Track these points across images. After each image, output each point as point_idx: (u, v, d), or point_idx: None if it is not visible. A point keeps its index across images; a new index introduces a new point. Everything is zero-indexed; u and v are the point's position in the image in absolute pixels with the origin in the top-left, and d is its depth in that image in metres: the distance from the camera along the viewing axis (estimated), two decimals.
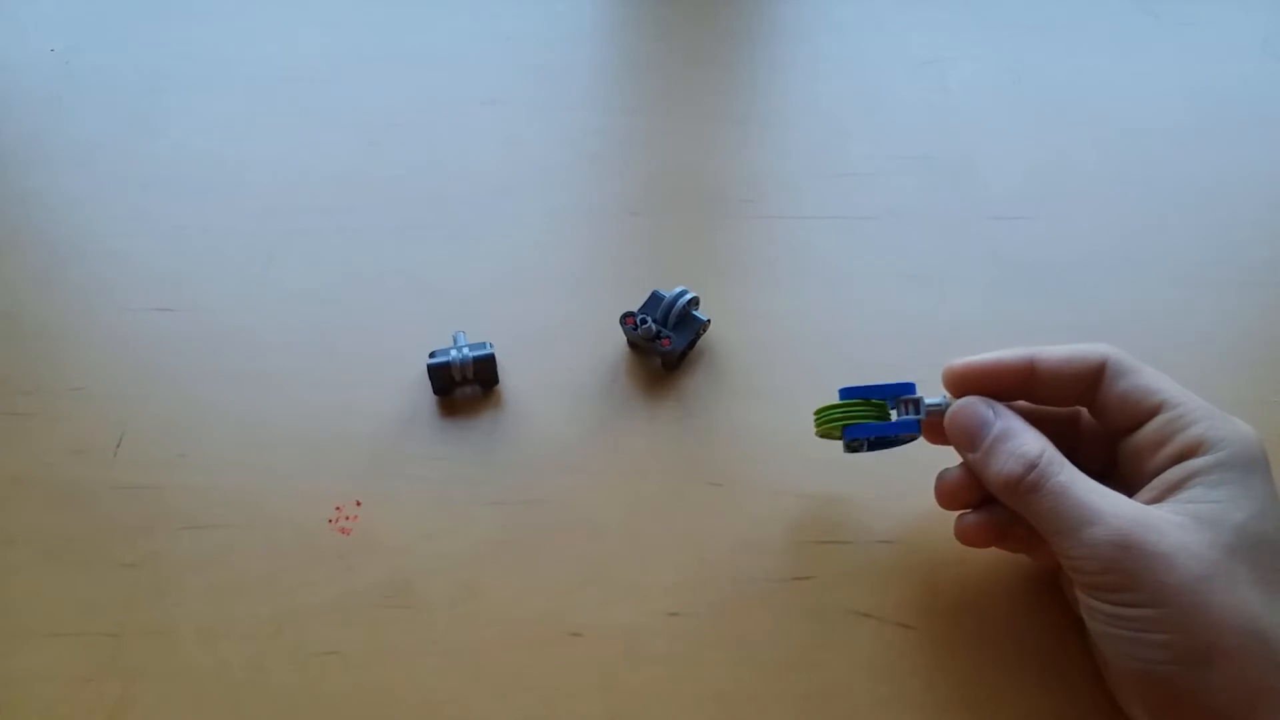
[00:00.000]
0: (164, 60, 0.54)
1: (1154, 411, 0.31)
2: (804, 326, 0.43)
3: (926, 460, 0.37)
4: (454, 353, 0.40)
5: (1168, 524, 0.28)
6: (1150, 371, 0.32)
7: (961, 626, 0.35)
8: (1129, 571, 0.28)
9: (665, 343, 0.40)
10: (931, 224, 0.47)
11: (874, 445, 0.35)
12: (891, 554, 0.37)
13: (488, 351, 0.40)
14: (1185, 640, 0.27)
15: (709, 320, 0.42)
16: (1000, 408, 0.32)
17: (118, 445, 0.39)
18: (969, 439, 0.32)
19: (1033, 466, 0.30)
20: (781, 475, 0.39)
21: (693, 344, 0.42)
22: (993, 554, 0.36)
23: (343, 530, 0.37)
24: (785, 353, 0.42)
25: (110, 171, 0.49)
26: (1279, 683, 0.27)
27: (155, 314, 0.43)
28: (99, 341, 0.42)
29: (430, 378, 0.39)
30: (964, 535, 0.34)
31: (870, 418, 0.35)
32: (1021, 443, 0.31)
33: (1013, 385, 0.33)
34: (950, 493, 0.34)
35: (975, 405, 0.32)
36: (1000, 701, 0.33)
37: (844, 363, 0.42)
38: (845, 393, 0.35)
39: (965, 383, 0.33)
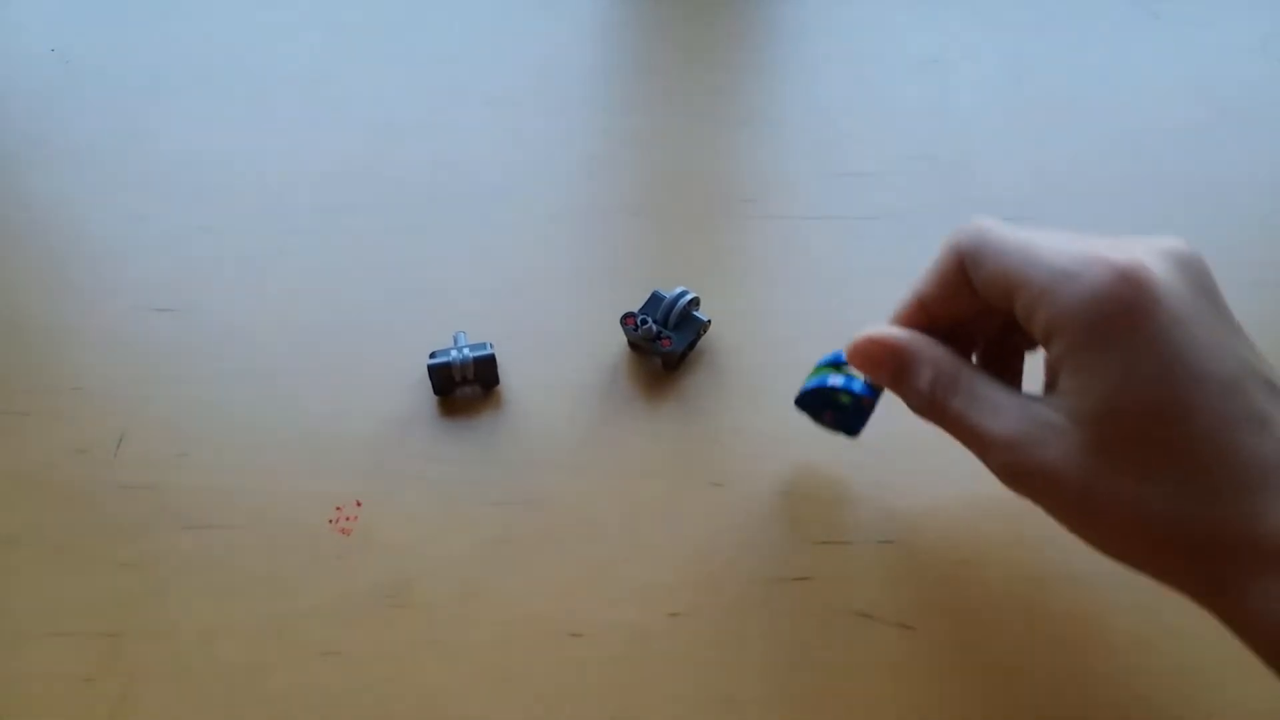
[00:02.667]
0: (164, 60, 0.54)
1: (1011, 299, 0.29)
2: (804, 326, 0.43)
3: (926, 460, 0.37)
4: (454, 353, 0.40)
5: (1049, 431, 0.27)
6: (996, 244, 0.30)
7: (961, 626, 0.35)
8: (1028, 496, 0.28)
9: (666, 343, 0.40)
10: (931, 224, 0.47)
11: (837, 414, 0.35)
12: (891, 554, 0.37)
13: (488, 352, 0.40)
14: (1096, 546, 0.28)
15: (709, 320, 0.42)
16: (893, 339, 0.31)
17: (118, 445, 0.39)
18: (876, 376, 0.32)
19: (927, 397, 0.30)
20: (781, 475, 0.39)
21: (693, 344, 0.42)
22: (993, 554, 0.36)
23: (343, 530, 0.37)
24: (785, 353, 0.42)
25: (110, 171, 0.49)
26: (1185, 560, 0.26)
27: (155, 314, 0.43)
28: (99, 341, 0.42)
29: (430, 378, 0.39)
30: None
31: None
32: (916, 373, 0.31)
33: (922, 327, 0.32)
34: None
35: (863, 347, 0.32)
36: (1000, 701, 0.33)
37: None
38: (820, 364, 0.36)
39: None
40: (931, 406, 0.30)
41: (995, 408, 0.29)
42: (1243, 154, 0.50)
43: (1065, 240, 0.29)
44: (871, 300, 0.44)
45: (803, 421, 0.38)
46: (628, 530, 0.37)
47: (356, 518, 0.37)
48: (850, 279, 0.45)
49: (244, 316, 0.43)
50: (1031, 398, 0.29)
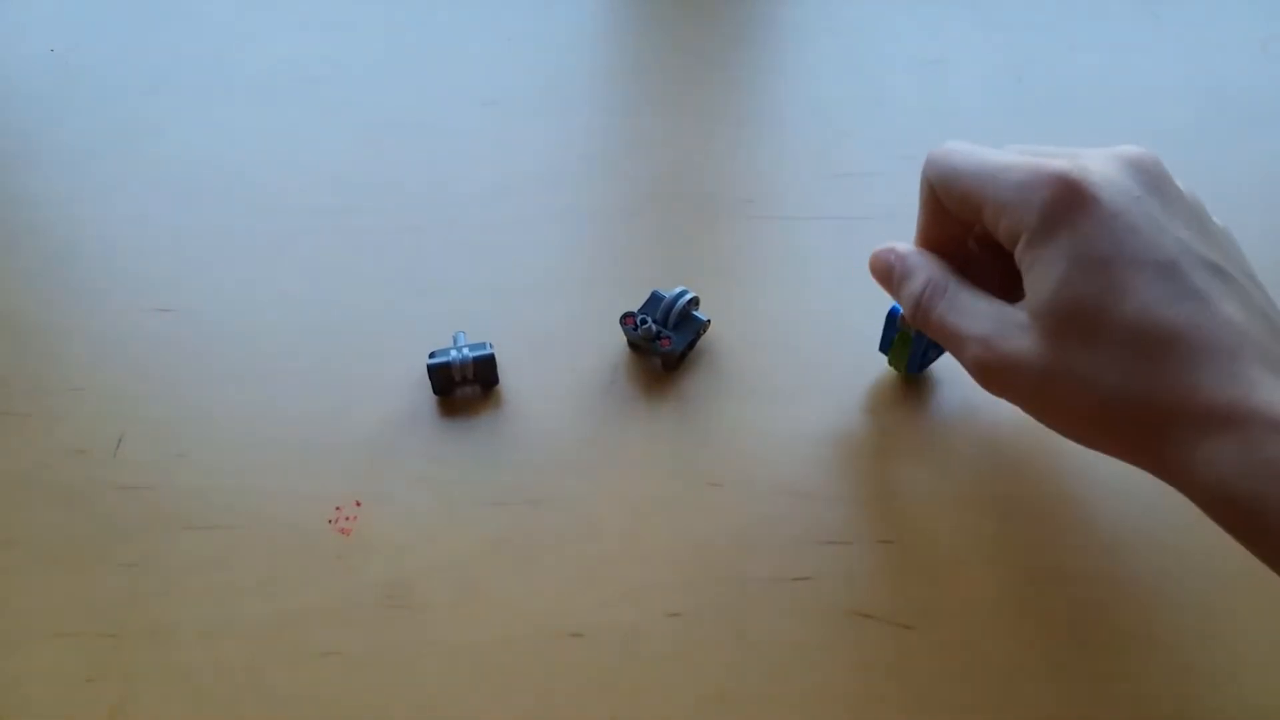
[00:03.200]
0: (164, 61, 0.54)
1: (979, 215, 0.32)
2: (804, 327, 0.43)
3: (927, 460, 0.37)
4: (454, 353, 0.40)
5: (1014, 328, 0.30)
6: (959, 167, 0.32)
7: (961, 626, 0.35)
8: (997, 390, 0.31)
9: (665, 343, 0.40)
10: None
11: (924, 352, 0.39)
12: (891, 554, 0.36)
13: (488, 352, 0.40)
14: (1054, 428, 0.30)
15: (709, 320, 0.42)
16: (901, 251, 0.35)
17: (118, 445, 0.39)
18: (884, 284, 0.36)
19: (917, 302, 0.33)
20: (781, 475, 0.39)
21: (693, 344, 0.42)
22: (993, 554, 0.36)
23: (342, 531, 0.37)
24: (785, 353, 0.42)
25: (110, 171, 0.49)
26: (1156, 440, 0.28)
27: (155, 314, 0.43)
28: (99, 341, 0.42)
29: (430, 378, 0.39)
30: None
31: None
32: (911, 281, 0.34)
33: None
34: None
35: (878, 254, 0.36)
36: (1000, 702, 0.33)
37: (844, 363, 0.42)
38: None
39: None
40: (919, 310, 0.33)
41: (972, 312, 0.32)
42: (1243, 154, 0.50)
43: (1019, 155, 0.31)
44: (871, 300, 0.44)
45: (802, 421, 0.38)
46: (628, 530, 0.37)
47: (356, 518, 0.37)
48: (850, 279, 0.45)
49: (244, 317, 0.43)
50: (1005, 304, 0.31)
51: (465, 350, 0.40)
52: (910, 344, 0.38)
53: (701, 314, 0.41)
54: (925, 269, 0.34)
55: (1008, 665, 0.34)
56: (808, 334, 0.43)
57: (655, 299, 0.41)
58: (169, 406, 0.40)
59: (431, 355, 0.40)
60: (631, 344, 0.42)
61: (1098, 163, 0.30)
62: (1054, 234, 0.29)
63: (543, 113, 0.52)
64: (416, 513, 0.37)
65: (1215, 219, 0.31)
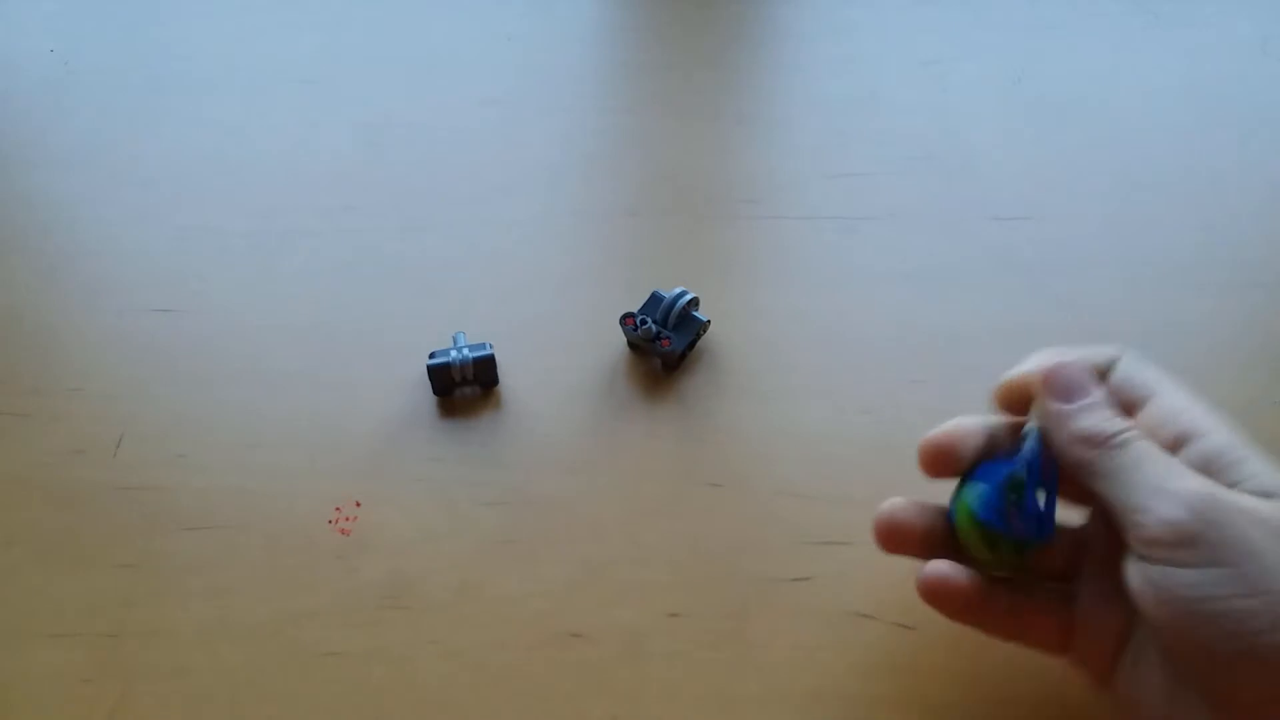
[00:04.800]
0: (164, 60, 0.54)
1: (1143, 402, 0.30)
2: (804, 327, 0.43)
3: None
4: (454, 353, 0.40)
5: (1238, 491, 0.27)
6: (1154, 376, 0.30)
7: (961, 626, 0.35)
8: (1209, 525, 0.26)
9: (665, 343, 0.40)
10: (931, 224, 0.47)
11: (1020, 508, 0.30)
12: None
13: (488, 352, 0.40)
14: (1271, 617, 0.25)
15: (709, 321, 0.42)
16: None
17: (118, 445, 0.39)
18: (1069, 392, 0.30)
19: (1121, 431, 0.28)
20: (781, 475, 0.39)
21: (693, 344, 0.42)
22: None
23: (342, 531, 0.37)
24: (785, 353, 0.42)
25: (110, 171, 0.49)
26: None
27: (155, 314, 0.43)
28: (99, 341, 0.42)
29: (430, 378, 0.39)
30: (938, 591, 0.31)
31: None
32: (1113, 413, 0.29)
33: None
34: (897, 525, 0.32)
35: (1084, 368, 0.30)
36: (1000, 702, 0.33)
37: (844, 363, 0.42)
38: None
39: (1017, 396, 0.32)
40: (1122, 438, 0.28)
41: (1181, 466, 0.28)
42: (1242, 154, 0.50)
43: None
44: (871, 300, 0.44)
45: (802, 421, 0.38)
46: (628, 530, 0.37)
47: (356, 518, 0.37)
48: (850, 279, 0.45)
49: (243, 317, 0.43)
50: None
51: (465, 350, 0.40)
52: (1022, 494, 0.29)
53: (701, 314, 0.41)
54: (1100, 393, 0.29)
55: (1007, 665, 0.34)
56: (808, 334, 0.43)
57: (655, 299, 0.41)
58: (169, 406, 0.40)
59: (431, 355, 0.40)
60: (631, 344, 0.42)
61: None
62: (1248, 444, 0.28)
63: (543, 113, 0.52)
64: (416, 513, 0.37)
65: None
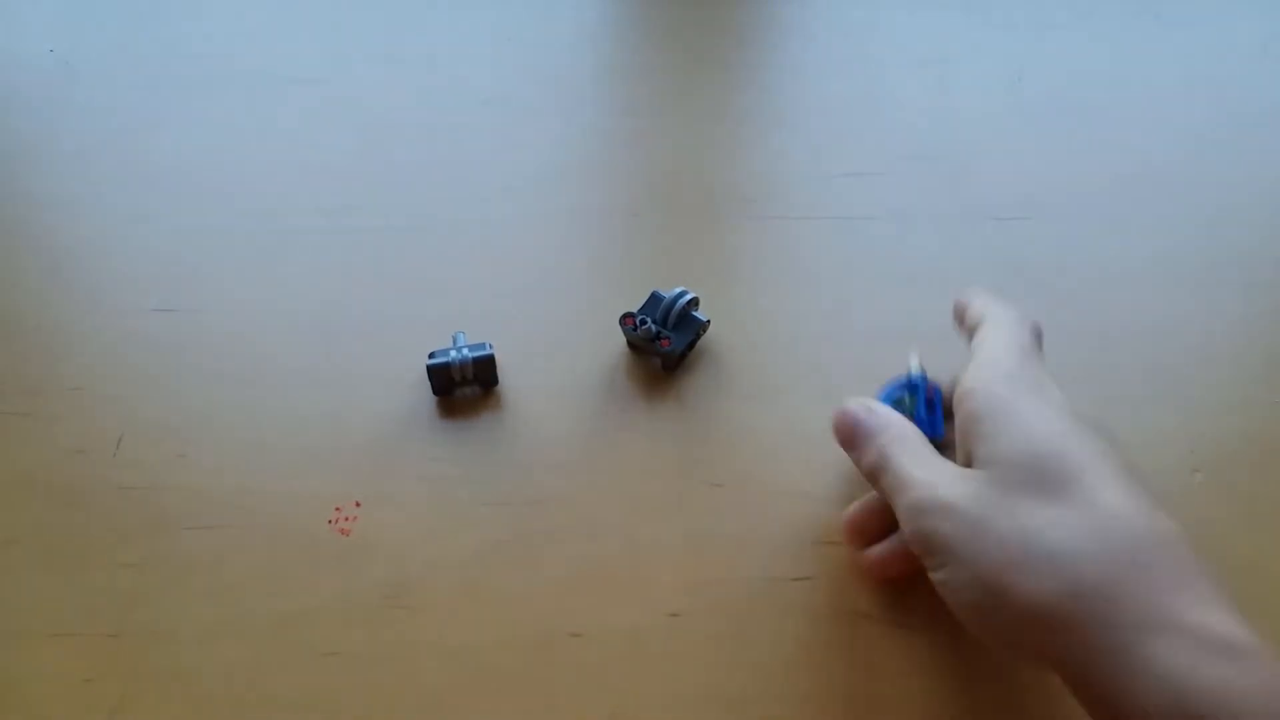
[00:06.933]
0: (164, 60, 0.54)
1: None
2: (804, 327, 0.43)
3: None
4: (454, 353, 0.40)
5: (954, 477, 0.30)
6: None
7: (960, 627, 0.35)
8: (923, 532, 0.30)
9: (665, 343, 0.40)
10: (931, 224, 0.47)
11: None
12: None
13: (487, 352, 0.40)
14: (983, 587, 0.28)
15: (709, 321, 0.42)
16: (872, 406, 0.34)
17: (118, 445, 0.39)
18: (847, 441, 0.34)
19: (881, 453, 0.32)
20: (781, 475, 0.39)
21: (692, 344, 0.42)
22: None
23: (342, 531, 0.37)
24: (785, 353, 0.42)
25: (110, 172, 0.49)
26: (1082, 589, 0.27)
27: (155, 314, 0.43)
28: (99, 341, 0.42)
29: (430, 378, 0.39)
30: (876, 568, 0.35)
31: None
32: (877, 435, 0.33)
33: None
34: (859, 525, 0.35)
35: (848, 410, 0.34)
36: (999, 702, 0.33)
37: (844, 363, 0.42)
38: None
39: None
40: (879, 456, 0.32)
41: (926, 464, 0.31)
42: (1243, 154, 0.50)
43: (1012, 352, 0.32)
44: (871, 300, 0.44)
45: (802, 421, 0.38)
46: (628, 530, 0.37)
47: (356, 518, 0.37)
48: (850, 279, 0.45)
49: (243, 317, 0.43)
50: (958, 466, 0.31)
51: (465, 350, 0.40)
52: (912, 406, 0.36)
53: (701, 314, 0.41)
54: (895, 423, 0.33)
55: (1007, 665, 0.34)
56: (808, 334, 0.43)
57: (655, 299, 0.41)
58: (169, 406, 0.40)
59: (431, 355, 0.40)
60: (631, 344, 0.42)
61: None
62: (996, 407, 0.30)
63: (543, 113, 0.52)
64: (416, 513, 0.37)
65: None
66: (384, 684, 0.34)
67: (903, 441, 0.32)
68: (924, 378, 0.36)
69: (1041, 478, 0.29)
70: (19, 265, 0.45)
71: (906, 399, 0.36)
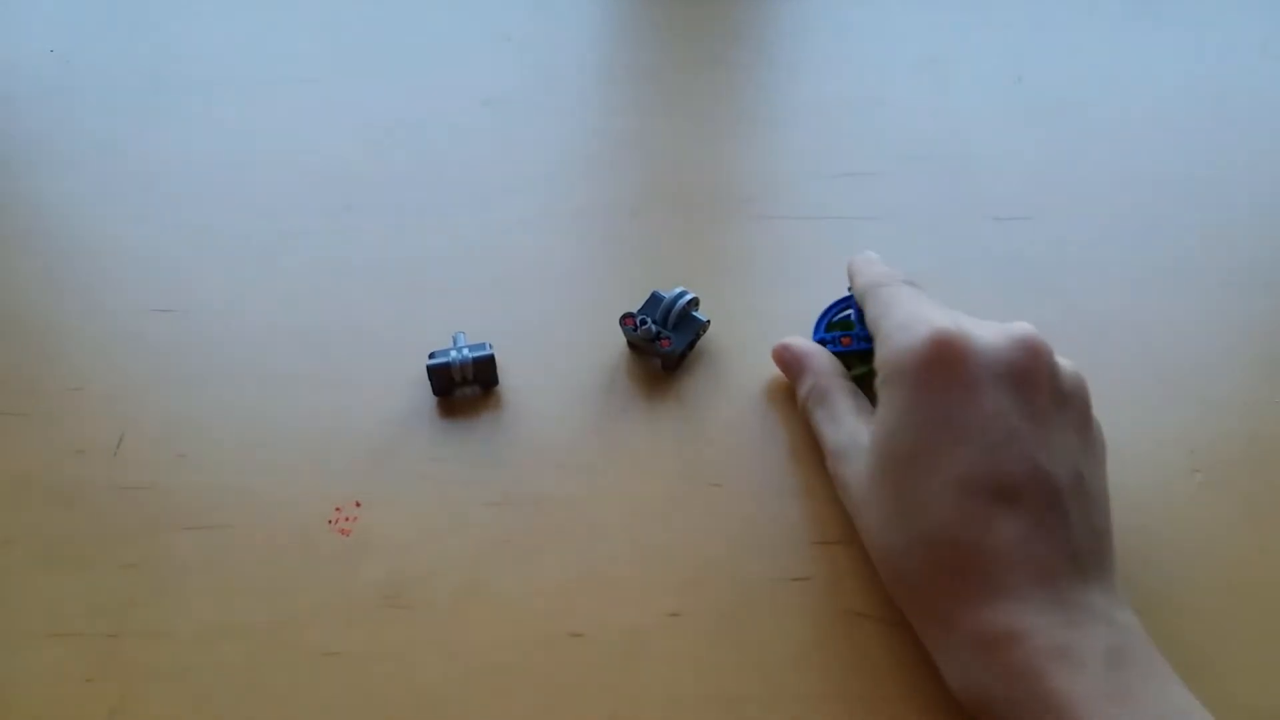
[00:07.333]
0: (164, 60, 0.54)
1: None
2: (804, 327, 0.43)
3: None
4: (454, 353, 0.40)
5: (857, 449, 0.34)
6: (875, 303, 0.35)
7: None
8: (842, 485, 0.35)
9: (665, 343, 0.40)
10: (931, 224, 0.47)
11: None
12: None
13: (488, 352, 0.40)
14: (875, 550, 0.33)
15: (709, 321, 0.42)
16: (796, 350, 0.39)
17: (118, 445, 0.39)
18: (785, 374, 0.40)
19: (803, 402, 0.38)
20: (781, 475, 0.39)
21: (692, 344, 0.42)
22: None
23: (342, 531, 0.37)
24: None
25: (110, 171, 0.49)
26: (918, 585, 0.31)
27: (155, 314, 0.43)
28: (99, 341, 0.42)
29: (430, 378, 0.39)
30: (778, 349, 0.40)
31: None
32: (801, 382, 0.38)
33: None
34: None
35: (778, 349, 0.40)
36: None
37: None
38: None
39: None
40: (802, 408, 0.38)
41: (839, 424, 0.35)
42: (1242, 155, 0.50)
43: (925, 304, 0.33)
44: None
45: (802, 421, 0.38)
46: (628, 530, 0.37)
47: (356, 518, 0.37)
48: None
49: (243, 317, 0.43)
50: (865, 425, 0.34)
51: (465, 350, 0.40)
52: (850, 327, 0.40)
53: (701, 314, 0.41)
54: (814, 373, 0.38)
55: None
56: (807, 334, 0.43)
57: (655, 299, 0.41)
58: (169, 406, 0.40)
59: (431, 355, 0.40)
60: (631, 344, 0.42)
61: (983, 331, 0.31)
62: (905, 379, 0.31)
63: (543, 113, 0.52)
64: (416, 513, 0.37)
65: (1075, 410, 0.32)
66: (384, 684, 0.34)
67: (824, 395, 0.37)
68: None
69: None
70: (18, 265, 0.45)
71: (852, 315, 0.40)
